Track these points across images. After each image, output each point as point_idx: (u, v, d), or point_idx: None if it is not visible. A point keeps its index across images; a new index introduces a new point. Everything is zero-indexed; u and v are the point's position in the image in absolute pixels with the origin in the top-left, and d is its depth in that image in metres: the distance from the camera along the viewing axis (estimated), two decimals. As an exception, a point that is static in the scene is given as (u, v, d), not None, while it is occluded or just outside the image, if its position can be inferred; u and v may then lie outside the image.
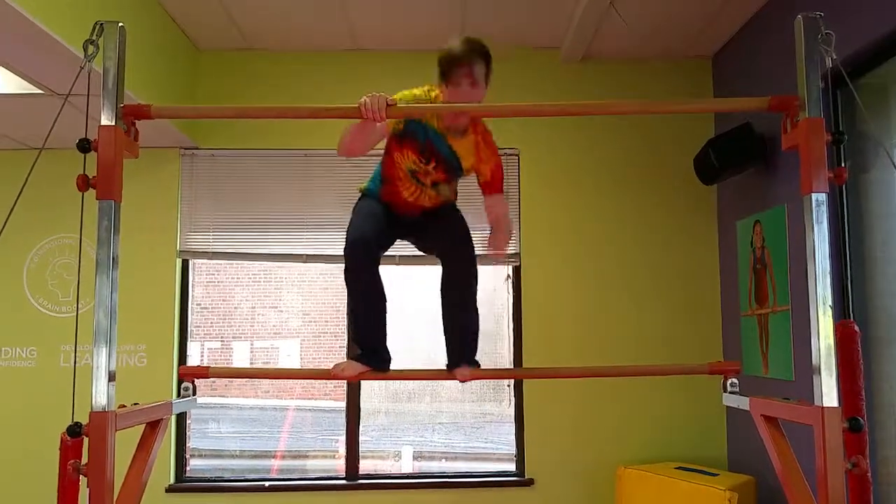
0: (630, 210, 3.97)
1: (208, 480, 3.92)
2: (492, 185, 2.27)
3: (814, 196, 1.81)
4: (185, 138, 3.83)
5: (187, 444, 3.97)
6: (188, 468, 3.94)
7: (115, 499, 1.86)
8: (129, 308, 3.83)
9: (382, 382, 3.99)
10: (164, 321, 3.90)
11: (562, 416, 3.83)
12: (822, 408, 1.73)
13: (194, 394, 2.41)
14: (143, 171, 3.92)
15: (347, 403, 3.91)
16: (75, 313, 3.83)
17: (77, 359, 3.78)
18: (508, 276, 3.96)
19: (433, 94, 2.13)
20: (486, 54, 2.10)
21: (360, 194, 2.30)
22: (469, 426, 3.99)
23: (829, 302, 1.78)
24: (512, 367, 3.92)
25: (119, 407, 2.02)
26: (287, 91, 3.98)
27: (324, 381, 4.14)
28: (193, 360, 4.20)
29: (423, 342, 3.84)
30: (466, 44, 2.07)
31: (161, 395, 3.71)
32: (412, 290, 3.95)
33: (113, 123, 1.83)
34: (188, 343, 4.04)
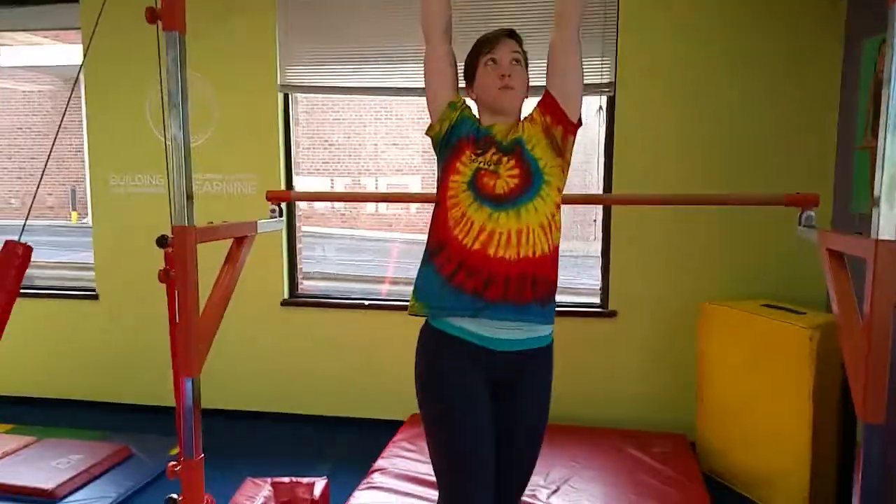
0: (741, 28, 3.63)
1: (317, 297, 4.34)
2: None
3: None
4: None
5: (299, 266, 4.35)
6: (300, 287, 4.36)
7: (202, 303, 2.15)
8: (240, 139, 4.15)
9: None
10: (271, 153, 4.15)
11: (649, 251, 3.82)
12: (876, 241, 1.65)
13: (280, 215, 2.63)
14: (241, 6, 4.05)
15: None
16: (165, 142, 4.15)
17: (198, 186, 4.19)
18: (601, 107, 3.83)
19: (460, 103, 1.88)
20: (512, 32, 1.87)
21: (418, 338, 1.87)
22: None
23: (903, 128, 1.63)
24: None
25: (208, 224, 2.27)
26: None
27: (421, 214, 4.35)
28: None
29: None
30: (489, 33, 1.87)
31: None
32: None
33: (173, -46, 1.90)
34: (312, 177, 4.29)
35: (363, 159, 14.07)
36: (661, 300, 3.82)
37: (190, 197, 1.99)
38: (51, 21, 4.38)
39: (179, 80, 1.95)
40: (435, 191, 1.87)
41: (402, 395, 4.05)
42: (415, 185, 13.06)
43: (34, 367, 4.58)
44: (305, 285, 4.43)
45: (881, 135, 1.66)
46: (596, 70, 3.73)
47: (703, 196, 2.61)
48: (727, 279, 3.72)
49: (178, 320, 1.99)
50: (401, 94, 4.01)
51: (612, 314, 3.89)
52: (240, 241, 2.32)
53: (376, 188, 14.06)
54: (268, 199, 2.62)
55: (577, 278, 7.82)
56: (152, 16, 1.93)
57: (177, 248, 1.96)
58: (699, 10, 3.67)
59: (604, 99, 3.83)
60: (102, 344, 4.44)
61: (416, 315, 1.84)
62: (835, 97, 3.57)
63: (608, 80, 3.74)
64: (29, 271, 5.87)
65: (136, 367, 4.38)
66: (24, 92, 14.84)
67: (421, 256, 1.85)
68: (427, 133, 1.93)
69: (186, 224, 1.97)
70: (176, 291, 1.98)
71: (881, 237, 1.65)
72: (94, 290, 4.44)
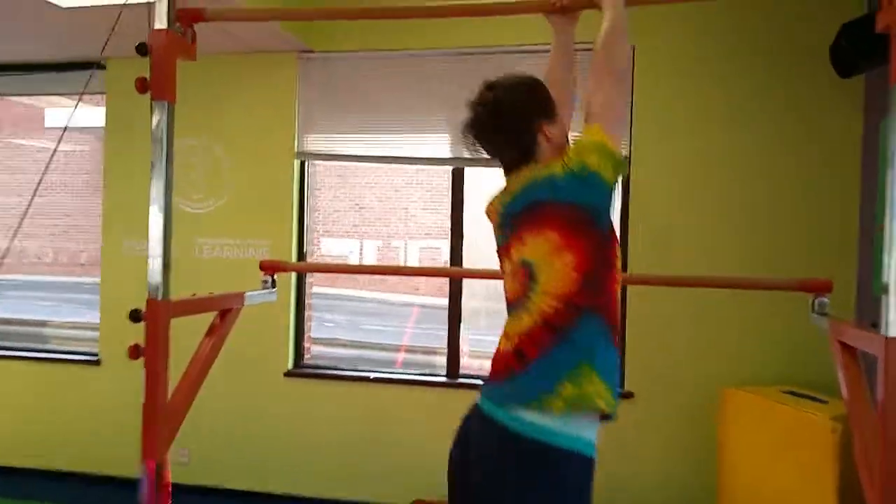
0: (755, 109, 3.56)
1: (322, 367, 4.23)
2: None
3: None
4: (301, 43, 3.94)
5: (306, 333, 4.27)
6: (307, 355, 4.27)
7: (179, 377, 2.07)
8: (255, 204, 4.15)
9: (483, 283, 3.97)
10: (284, 219, 4.13)
11: (668, 332, 3.66)
12: (886, 338, 1.51)
13: (273, 286, 2.56)
14: (263, 74, 4.11)
15: (450, 302, 3.99)
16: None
17: (210, 251, 4.18)
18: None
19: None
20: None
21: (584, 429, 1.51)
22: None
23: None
24: (617, 276, 3.77)
25: (192, 295, 2.21)
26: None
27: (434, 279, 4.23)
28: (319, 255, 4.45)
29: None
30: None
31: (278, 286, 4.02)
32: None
33: (166, 27, 1.90)
34: (344, 241, 4.27)
35: (393, 223, 14.18)
36: (680, 383, 3.64)
37: (167, 266, 1.93)
38: (77, 85, 4.48)
39: (165, 148, 1.93)
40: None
41: (405, 476, 3.93)
42: (445, 249, 13.08)
43: (21, 433, 4.49)
44: (314, 352, 4.34)
45: (888, 218, 1.55)
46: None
47: (715, 279, 2.50)
48: (748, 363, 3.53)
49: (143, 399, 1.90)
50: (416, 163, 4.00)
51: (630, 395, 3.72)
52: (224, 314, 2.26)
53: (405, 251, 14.09)
54: (261, 268, 2.56)
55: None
56: (143, 85, 1.93)
57: (149, 323, 1.90)
58: (719, 89, 3.62)
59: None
60: (99, 412, 4.34)
61: (608, 414, 1.52)
62: (856, 177, 3.45)
63: (624, 154, 3.67)
64: (46, 330, 5.88)
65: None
66: (63, 151, 15.39)
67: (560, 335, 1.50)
68: (618, 166, 1.55)
69: (160, 298, 1.91)
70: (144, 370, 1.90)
71: (891, 334, 1.51)
72: (96, 355, 4.38)
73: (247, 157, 4.15)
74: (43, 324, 6.45)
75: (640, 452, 3.70)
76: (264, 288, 2.54)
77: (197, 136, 4.19)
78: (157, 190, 1.92)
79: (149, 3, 1.91)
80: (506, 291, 1.67)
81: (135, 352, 1.91)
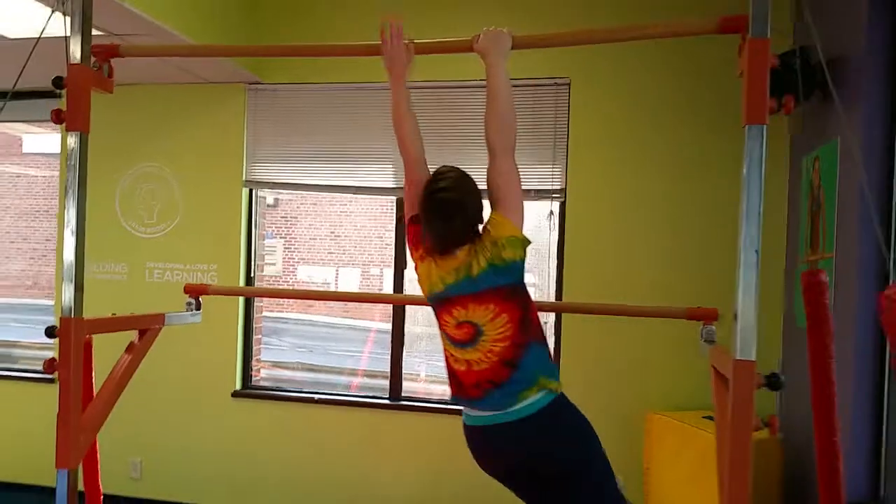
0: (690, 142, 3.69)
1: (268, 389, 4.30)
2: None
3: (748, 128, 1.63)
4: (251, 74, 4.07)
5: (255, 356, 4.34)
6: (258, 376, 4.34)
7: (94, 393, 2.15)
8: (203, 231, 4.24)
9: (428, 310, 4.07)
10: (232, 244, 4.23)
11: (598, 358, 3.76)
12: (734, 360, 1.62)
13: (197, 309, 2.65)
14: (214, 104, 4.23)
15: (393, 327, 4.08)
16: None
17: (160, 275, 4.26)
18: (552, 212, 3.88)
19: None
20: None
21: (559, 395, 2.05)
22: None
23: (756, 246, 1.64)
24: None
25: (112, 315, 2.30)
26: (348, 29, 4.02)
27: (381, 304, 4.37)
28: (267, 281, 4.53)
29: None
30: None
31: (224, 309, 4.10)
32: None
33: (79, 61, 2.01)
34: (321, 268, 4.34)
35: (368, 252, 14.29)
36: (611, 407, 3.73)
37: (80, 288, 2.02)
38: (39, 113, 4.57)
39: (78, 175, 2.02)
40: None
41: (347, 491, 3.99)
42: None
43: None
44: (264, 374, 4.41)
45: (742, 257, 1.65)
46: (547, 176, 3.82)
47: (615, 307, 2.67)
48: (674, 388, 3.64)
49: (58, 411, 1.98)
50: (362, 192, 4.10)
51: (562, 420, 3.79)
52: (143, 333, 2.34)
53: (381, 278, 14.21)
54: (185, 291, 2.65)
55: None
56: (58, 117, 2.03)
57: (62, 340, 1.98)
58: (643, 125, 3.76)
59: (556, 204, 3.87)
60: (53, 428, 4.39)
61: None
62: (783, 213, 3.58)
63: (560, 187, 3.81)
64: (14, 351, 5.91)
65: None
66: (43, 177, 15.44)
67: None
68: (525, 245, 2.00)
69: (73, 316, 1.99)
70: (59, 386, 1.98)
71: (737, 357, 1.61)
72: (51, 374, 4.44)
73: (197, 183, 4.25)
74: (13, 344, 6.55)
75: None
76: (188, 310, 2.62)
77: (151, 163, 4.29)
78: (70, 215, 2.02)
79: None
80: (446, 328, 2.06)
81: (49, 366, 2.00)
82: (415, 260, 2.08)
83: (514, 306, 1.95)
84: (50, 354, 5.15)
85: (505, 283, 1.95)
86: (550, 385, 1.97)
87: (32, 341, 9.42)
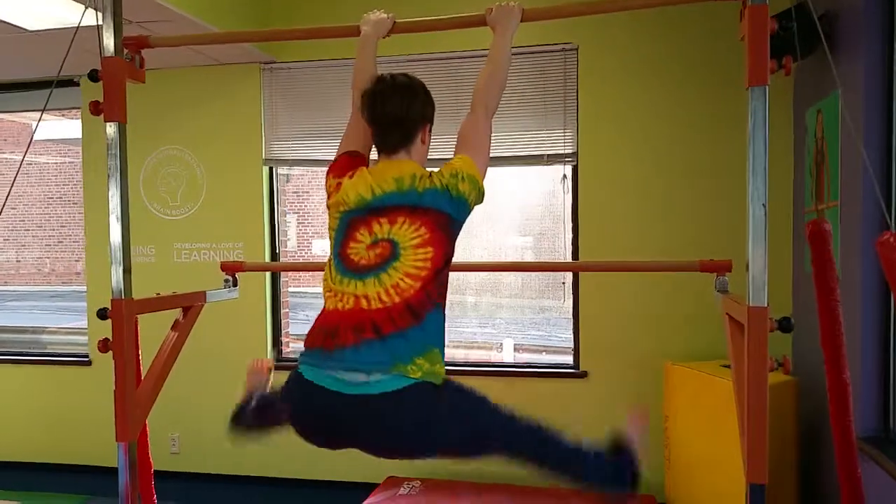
0: (697, 102, 3.78)
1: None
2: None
3: (751, 89, 1.73)
4: (265, 54, 4.15)
5: (284, 329, 4.50)
6: (287, 350, 4.51)
7: (145, 370, 2.30)
8: (227, 210, 4.37)
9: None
10: (256, 222, 4.36)
11: (616, 313, 3.89)
12: (748, 307, 1.74)
13: (234, 285, 2.78)
14: (230, 85, 4.33)
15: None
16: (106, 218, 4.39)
17: (188, 255, 4.40)
18: (565, 175, 3.97)
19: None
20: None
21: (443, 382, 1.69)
22: (528, 321, 4.19)
23: (763, 199, 1.74)
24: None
25: (156, 294, 2.44)
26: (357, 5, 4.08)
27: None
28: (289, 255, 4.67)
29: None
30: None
31: (252, 284, 4.24)
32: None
33: (113, 54, 2.12)
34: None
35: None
36: (629, 360, 3.87)
37: (128, 270, 2.16)
38: (56, 102, 4.69)
39: (118, 163, 2.15)
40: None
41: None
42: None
43: (23, 432, 4.76)
44: (293, 347, 4.57)
45: (749, 204, 1.76)
46: (559, 141, 3.91)
47: (630, 263, 2.75)
48: (692, 339, 3.76)
49: (114, 388, 2.13)
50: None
51: (584, 374, 3.95)
52: (187, 311, 2.48)
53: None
54: (222, 269, 2.78)
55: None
56: (96, 108, 2.14)
57: (114, 320, 2.12)
58: (651, 88, 3.84)
59: (568, 168, 3.97)
60: (92, 409, 4.58)
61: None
62: (789, 164, 3.67)
63: (571, 150, 3.90)
64: (42, 337, 6.14)
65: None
66: (56, 164, 15.57)
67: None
68: (480, 197, 1.85)
69: (123, 297, 2.13)
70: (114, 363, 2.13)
71: (752, 304, 1.73)
72: (87, 357, 4.62)
73: (218, 164, 4.37)
74: (41, 330, 6.76)
75: (595, 427, 3.92)
76: (225, 287, 2.75)
77: (172, 146, 4.41)
78: (114, 201, 2.15)
79: (98, 26, 2.11)
80: (349, 252, 1.78)
81: (104, 345, 2.14)
82: (334, 185, 1.85)
83: (442, 242, 1.74)
84: (76, 339, 5.44)
85: (448, 212, 1.76)
86: (437, 369, 1.67)
87: (59, 326, 9.66)
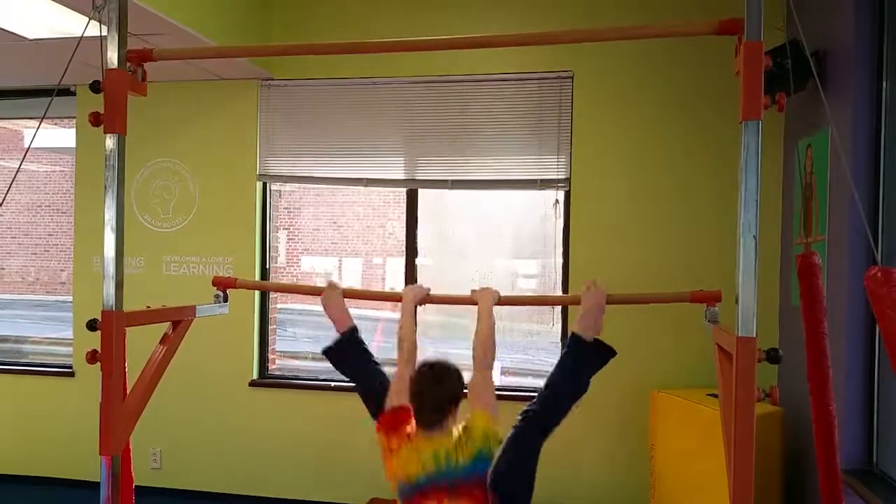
0: (689, 131, 3.84)
1: (284, 378, 4.44)
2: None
3: (744, 123, 1.76)
4: (263, 71, 4.18)
5: (271, 346, 4.48)
6: (273, 367, 4.48)
7: (131, 383, 2.28)
8: (219, 224, 4.36)
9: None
10: (247, 237, 4.36)
11: (604, 339, 3.89)
12: (737, 337, 1.76)
13: (225, 301, 2.77)
14: (227, 100, 4.35)
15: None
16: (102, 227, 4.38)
17: (177, 268, 4.38)
18: (557, 201, 4.01)
19: None
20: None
21: None
22: (516, 344, 4.19)
23: (754, 231, 1.77)
24: (560, 291, 4.02)
25: (146, 307, 2.43)
26: (358, 26, 4.15)
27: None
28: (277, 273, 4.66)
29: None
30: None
31: (240, 300, 4.22)
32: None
33: (116, 66, 2.13)
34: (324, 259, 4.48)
35: (372, 241, 14.43)
36: (616, 387, 3.88)
37: (120, 283, 2.15)
38: (51, 111, 4.68)
39: (116, 174, 2.15)
40: None
41: (362, 477, 4.13)
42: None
43: (1, 442, 4.68)
44: (279, 364, 4.55)
45: (740, 238, 1.79)
46: (552, 166, 3.95)
47: (621, 297, 2.79)
48: (678, 368, 3.79)
49: (100, 400, 2.11)
50: (373, 184, 4.23)
51: (570, 401, 3.94)
52: (177, 324, 2.47)
53: (384, 269, 14.37)
54: (214, 284, 2.77)
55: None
56: (96, 119, 2.15)
57: (104, 332, 2.11)
58: (645, 117, 3.90)
59: (561, 193, 4.00)
60: (75, 421, 4.52)
61: None
62: (778, 195, 3.72)
63: (564, 177, 3.94)
64: (24, 346, 6.05)
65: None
66: (45, 172, 15.51)
67: None
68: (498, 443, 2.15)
69: (114, 309, 2.12)
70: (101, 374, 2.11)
71: (740, 334, 1.75)
72: (70, 368, 4.58)
73: (211, 178, 4.38)
74: (24, 340, 6.68)
75: (583, 453, 3.93)
76: (216, 302, 2.74)
77: (166, 158, 4.41)
78: (109, 213, 2.15)
79: (102, 37, 2.12)
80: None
81: (92, 357, 2.12)
82: (384, 443, 2.19)
83: (481, 499, 2.08)
84: (60, 349, 5.39)
85: (483, 472, 2.08)
86: None
87: (42, 336, 9.54)
